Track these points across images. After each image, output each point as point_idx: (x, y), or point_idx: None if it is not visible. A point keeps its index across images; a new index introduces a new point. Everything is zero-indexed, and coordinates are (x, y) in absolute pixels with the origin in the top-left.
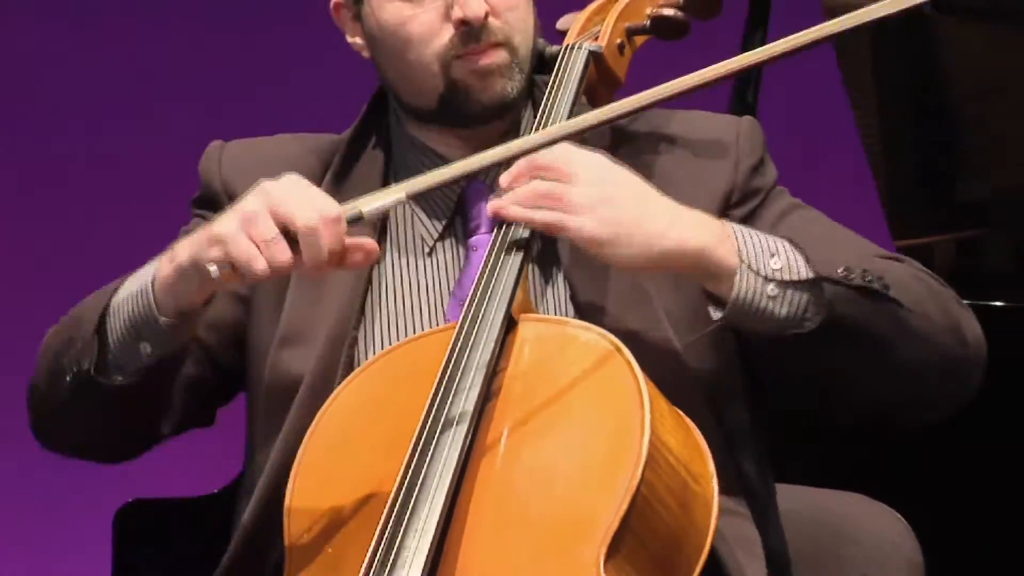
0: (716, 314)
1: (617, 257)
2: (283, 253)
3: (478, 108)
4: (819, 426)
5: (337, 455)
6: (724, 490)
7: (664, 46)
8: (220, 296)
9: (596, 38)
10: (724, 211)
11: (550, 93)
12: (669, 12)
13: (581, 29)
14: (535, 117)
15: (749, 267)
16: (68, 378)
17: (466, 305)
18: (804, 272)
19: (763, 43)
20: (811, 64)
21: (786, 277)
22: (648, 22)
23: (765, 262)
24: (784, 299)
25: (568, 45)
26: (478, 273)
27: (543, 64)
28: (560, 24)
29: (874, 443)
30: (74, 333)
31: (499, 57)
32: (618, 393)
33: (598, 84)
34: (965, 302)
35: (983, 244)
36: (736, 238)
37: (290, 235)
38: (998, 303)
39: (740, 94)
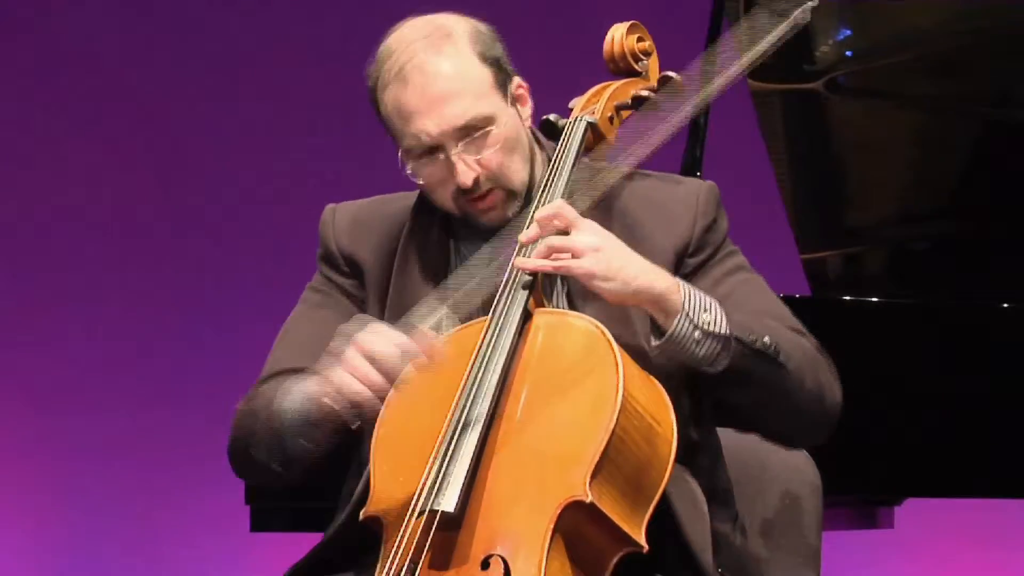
0: (655, 342)
1: (605, 288)
2: (374, 375)
3: (487, 227)
4: None
5: (407, 403)
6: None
7: None
8: (344, 308)
9: (594, 112)
10: (682, 257)
11: (558, 154)
12: (645, 93)
13: (584, 106)
14: (548, 171)
15: (687, 315)
16: (256, 459)
17: (496, 303)
18: (724, 329)
19: (706, 122)
20: (742, 125)
21: (710, 329)
22: (631, 100)
23: (699, 314)
24: (704, 344)
25: (573, 118)
26: (503, 283)
27: (556, 132)
28: (570, 104)
29: None
30: (252, 436)
31: (494, 198)
32: (601, 362)
33: (594, 145)
34: (848, 298)
35: (862, 257)
36: (683, 292)
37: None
38: (873, 299)
39: (691, 149)
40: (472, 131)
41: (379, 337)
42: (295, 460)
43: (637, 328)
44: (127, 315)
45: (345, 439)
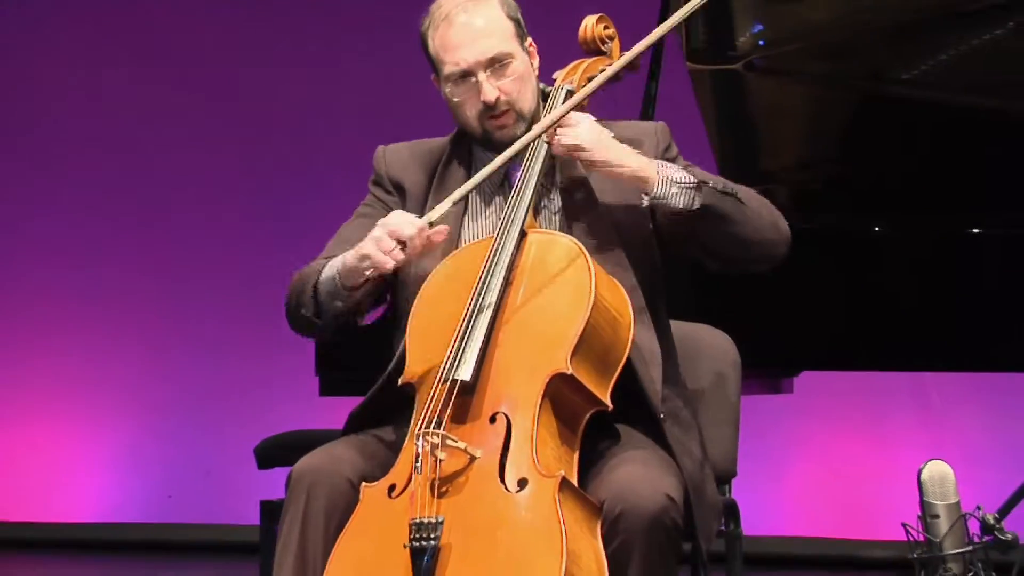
0: (645, 200)
1: (592, 159)
2: (399, 253)
3: (499, 143)
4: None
5: (434, 299)
6: (646, 323)
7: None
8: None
9: (571, 82)
10: None
11: (544, 113)
12: (612, 69)
13: (564, 77)
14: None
15: (664, 179)
16: (302, 314)
17: (500, 224)
18: (692, 181)
19: (655, 91)
20: (683, 95)
21: (684, 182)
22: (599, 73)
23: (673, 174)
24: (681, 194)
25: (556, 87)
26: (506, 207)
27: (544, 97)
28: (554, 75)
29: (713, 295)
30: (302, 294)
31: (509, 118)
32: (579, 269)
33: None
34: None
35: (771, 193)
36: (658, 165)
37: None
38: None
39: (645, 111)
40: (496, 63)
41: (400, 218)
42: (330, 314)
43: (614, 238)
44: (238, 210)
45: (369, 304)
